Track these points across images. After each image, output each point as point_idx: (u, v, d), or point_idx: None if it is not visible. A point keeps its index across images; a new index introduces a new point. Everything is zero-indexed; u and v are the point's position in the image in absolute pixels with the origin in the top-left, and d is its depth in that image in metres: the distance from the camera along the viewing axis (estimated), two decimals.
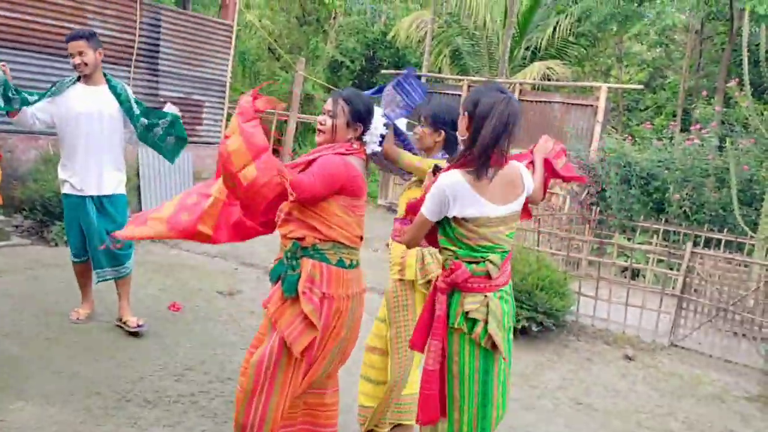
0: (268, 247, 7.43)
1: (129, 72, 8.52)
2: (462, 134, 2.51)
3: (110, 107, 4.34)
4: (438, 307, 2.48)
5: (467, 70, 16.04)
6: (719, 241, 7.50)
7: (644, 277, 7.45)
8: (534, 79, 13.55)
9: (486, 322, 2.43)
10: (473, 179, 2.39)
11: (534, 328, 5.52)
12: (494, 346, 2.45)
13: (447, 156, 3.23)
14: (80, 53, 4.21)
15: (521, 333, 5.54)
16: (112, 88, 4.36)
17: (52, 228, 6.80)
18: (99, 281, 4.53)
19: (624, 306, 5.92)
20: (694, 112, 10.38)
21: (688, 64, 16.68)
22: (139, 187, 8.52)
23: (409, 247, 2.67)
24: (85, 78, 4.32)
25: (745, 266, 6.08)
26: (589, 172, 8.74)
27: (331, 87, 18.23)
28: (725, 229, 7.60)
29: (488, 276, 2.46)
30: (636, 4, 15.45)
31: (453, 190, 2.39)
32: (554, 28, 15.30)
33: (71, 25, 7.75)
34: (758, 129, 7.24)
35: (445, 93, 13.04)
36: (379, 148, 2.92)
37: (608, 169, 8.40)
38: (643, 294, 6.05)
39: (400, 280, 3.35)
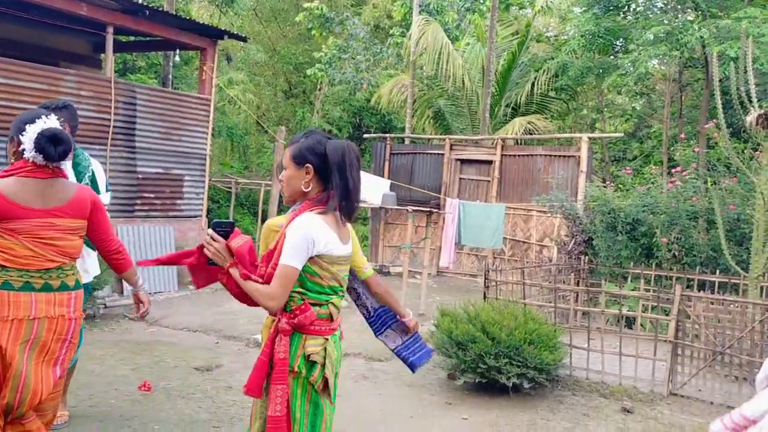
0: (249, 319, 7.24)
1: (105, 150, 8.51)
2: (306, 187, 2.48)
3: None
4: (281, 350, 2.41)
5: (450, 129, 16.17)
6: (713, 283, 7.33)
7: (642, 326, 7.24)
8: (516, 134, 13.63)
9: (323, 366, 2.44)
10: (327, 218, 2.45)
11: (526, 385, 5.28)
12: (324, 390, 2.47)
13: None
14: None
15: (513, 390, 5.31)
16: (75, 166, 4.05)
17: None
18: None
19: (618, 356, 5.70)
20: (676, 155, 10.40)
21: (669, 111, 16.86)
22: None
23: (274, 310, 2.44)
24: None
25: (740, 306, 5.88)
26: (575, 222, 8.64)
27: None
28: (717, 271, 7.43)
29: (330, 319, 2.49)
30: (611, 56, 15.71)
31: (315, 230, 2.40)
32: (533, 85, 15.51)
33: None
34: (740, 168, 7.18)
35: (429, 153, 13.08)
36: (40, 157, 2.79)
37: (593, 218, 8.30)
38: (636, 342, 5.84)
39: None
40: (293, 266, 2.36)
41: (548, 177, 11.17)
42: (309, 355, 2.41)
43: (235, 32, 11.43)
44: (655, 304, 6.92)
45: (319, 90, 20.60)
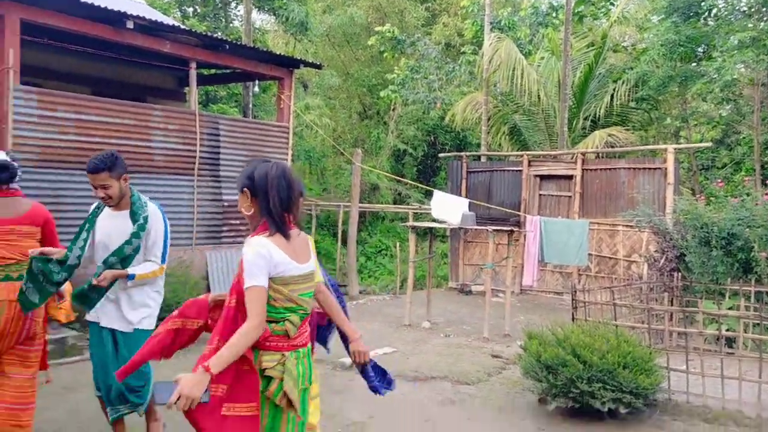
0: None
1: (192, 180, 8.84)
2: (247, 210, 2.64)
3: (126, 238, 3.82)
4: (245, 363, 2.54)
5: (527, 145, 15.94)
6: None
7: (745, 345, 6.84)
8: (596, 147, 13.28)
9: (281, 380, 2.52)
10: (274, 240, 2.53)
11: (622, 410, 5.08)
12: (289, 404, 2.55)
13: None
14: (103, 186, 3.79)
15: (609, 416, 5.12)
16: (132, 214, 3.87)
17: None
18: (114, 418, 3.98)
19: (720, 378, 5.40)
20: None
21: (759, 117, 16.05)
22: (208, 287, 8.70)
23: (257, 333, 2.46)
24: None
25: None
26: (665, 237, 8.30)
27: (395, 176, 18.47)
28: None
29: (287, 335, 2.57)
30: (693, 64, 15.13)
31: (268, 250, 2.49)
32: (612, 96, 15.10)
33: (138, 143, 8.16)
34: None
35: (506, 170, 12.92)
36: None
37: (684, 232, 7.95)
38: (739, 363, 5.52)
39: None
40: (259, 284, 2.45)
41: (633, 191, 10.80)
42: (264, 370, 2.52)
43: (310, 60, 11.71)
44: (757, 322, 6.54)
45: (393, 110, 20.78)
